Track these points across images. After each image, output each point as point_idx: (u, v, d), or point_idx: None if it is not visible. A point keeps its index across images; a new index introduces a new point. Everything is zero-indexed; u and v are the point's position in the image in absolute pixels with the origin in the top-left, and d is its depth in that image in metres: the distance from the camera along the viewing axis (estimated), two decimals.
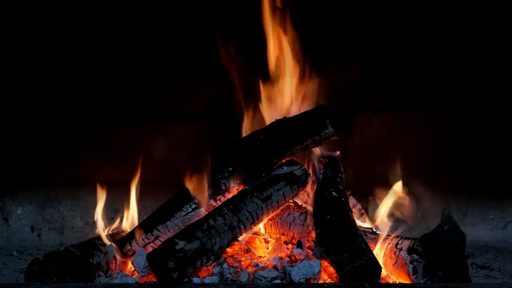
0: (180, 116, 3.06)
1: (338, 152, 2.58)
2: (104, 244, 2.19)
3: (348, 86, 2.99)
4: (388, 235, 2.19)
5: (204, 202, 2.25)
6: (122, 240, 2.26)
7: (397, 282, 2.02)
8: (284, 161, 2.36)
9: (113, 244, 2.21)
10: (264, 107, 2.51)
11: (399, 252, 2.04)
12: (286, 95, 2.51)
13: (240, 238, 2.18)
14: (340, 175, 2.45)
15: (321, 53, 2.73)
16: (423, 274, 1.91)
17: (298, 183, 2.30)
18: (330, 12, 2.91)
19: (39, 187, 3.07)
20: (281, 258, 2.16)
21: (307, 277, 1.93)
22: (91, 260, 2.06)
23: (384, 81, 3.05)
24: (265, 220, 2.29)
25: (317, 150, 2.51)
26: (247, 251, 2.23)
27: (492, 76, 3.02)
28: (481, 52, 2.99)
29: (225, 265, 2.05)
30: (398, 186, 2.37)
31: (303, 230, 2.29)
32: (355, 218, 2.23)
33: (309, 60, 2.53)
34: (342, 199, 2.27)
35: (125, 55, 2.98)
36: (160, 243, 2.11)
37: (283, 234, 2.34)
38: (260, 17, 2.55)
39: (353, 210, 2.31)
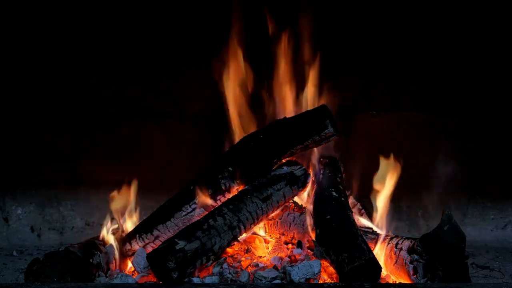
0: (181, 116, 3.05)
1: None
2: (104, 244, 2.19)
3: (348, 86, 2.99)
4: (388, 235, 2.19)
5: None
6: (122, 240, 2.26)
7: (397, 282, 2.02)
8: (284, 161, 2.36)
9: (113, 244, 2.20)
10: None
11: (399, 252, 2.04)
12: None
13: (240, 238, 2.18)
14: (340, 175, 2.45)
15: (321, 54, 2.72)
16: (423, 274, 1.91)
17: (298, 183, 2.30)
18: (330, 12, 2.91)
19: (39, 187, 3.06)
20: (281, 258, 2.16)
21: (307, 277, 1.93)
22: (91, 260, 2.05)
23: (384, 81, 3.04)
24: (265, 220, 2.29)
25: (317, 150, 2.51)
26: (247, 251, 2.23)
27: (492, 76, 3.02)
28: (482, 52, 2.98)
29: (225, 265, 2.05)
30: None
31: (303, 230, 2.28)
32: (355, 218, 2.22)
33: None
34: (342, 199, 2.26)
35: (125, 55, 2.98)
36: (160, 243, 2.11)
37: (283, 234, 2.34)
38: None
39: (353, 210, 2.31)
